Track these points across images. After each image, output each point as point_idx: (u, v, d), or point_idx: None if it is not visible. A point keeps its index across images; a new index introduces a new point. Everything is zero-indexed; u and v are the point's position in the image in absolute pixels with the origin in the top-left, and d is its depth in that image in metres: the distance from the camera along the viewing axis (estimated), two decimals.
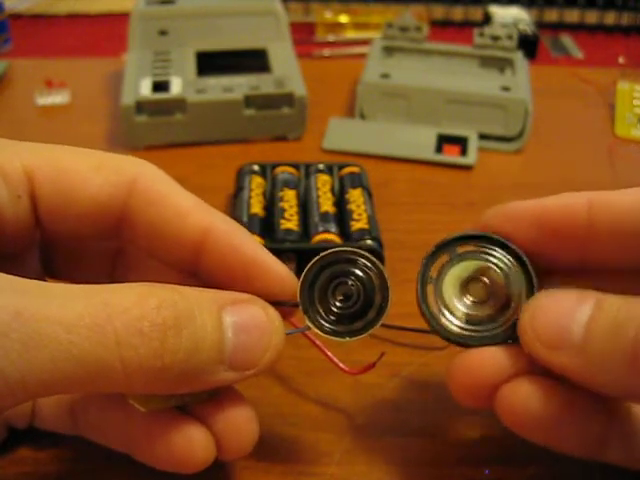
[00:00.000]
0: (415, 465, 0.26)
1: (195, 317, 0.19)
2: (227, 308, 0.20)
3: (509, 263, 0.23)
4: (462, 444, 0.27)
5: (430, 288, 0.23)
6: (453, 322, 0.23)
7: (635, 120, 0.53)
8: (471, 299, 0.23)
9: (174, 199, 0.22)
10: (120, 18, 0.64)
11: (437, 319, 0.23)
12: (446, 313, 0.23)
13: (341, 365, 0.27)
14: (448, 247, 0.23)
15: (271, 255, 0.23)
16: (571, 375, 0.20)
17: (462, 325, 0.23)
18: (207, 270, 0.23)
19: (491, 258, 0.23)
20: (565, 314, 0.20)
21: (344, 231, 0.37)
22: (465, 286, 0.23)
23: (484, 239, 0.23)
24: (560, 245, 0.23)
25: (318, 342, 0.28)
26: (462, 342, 0.23)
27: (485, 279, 0.23)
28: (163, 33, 0.52)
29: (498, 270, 0.23)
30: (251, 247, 0.23)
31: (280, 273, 0.23)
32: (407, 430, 0.28)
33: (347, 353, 0.27)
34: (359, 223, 0.37)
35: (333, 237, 0.36)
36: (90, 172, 0.22)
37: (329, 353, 0.27)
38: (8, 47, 0.67)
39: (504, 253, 0.23)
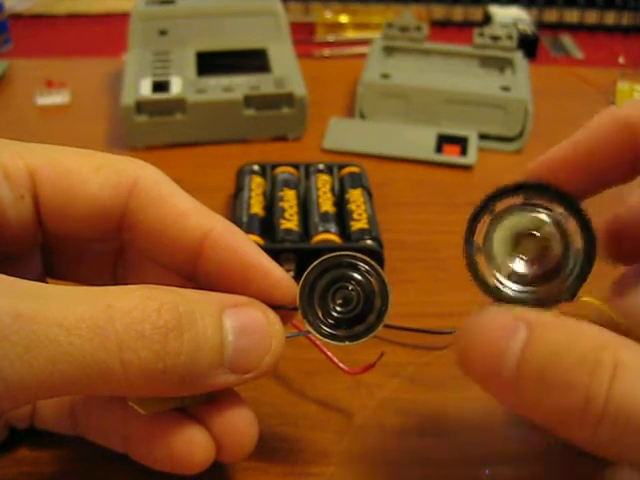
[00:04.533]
0: (415, 465, 0.26)
1: (196, 320, 0.19)
2: (227, 311, 0.20)
3: (565, 218, 0.21)
4: (462, 444, 0.27)
5: (486, 220, 0.21)
6: (505, 283, 0.21)
7: None
8: (523, 257, 0.22)
9: (174, 201, 0.22)
10: (120, 18, 0.64)
11: (475, 255, 0.21)
12: (487, 255, 0.21)
13: (341, 365, 0.27)
14: (527, 191, 0.21)
15: (270, 259, 0.23)
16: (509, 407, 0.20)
17: (497, 275, 0.21)
18: (206, 273, 0.23)
19: (546, 212, 0.21)
20: (497, 344, 0.19)
21: (344, 231, 0.37)
22: (519, 239, 0.22)
23: (538, 189, 0.21)
24: (613, 168, 0.22)
25: (318, 342, 0.28)
26: (488, 291, 0.21)
27: (539, 235, 0.21)
28: (163, 33, 0.52)
29: (562, 239, 0.21)
30: (250, 251, 0.23)
31: (279, 277, 0.23)
32: (407, 430, 0.28)
33: (347, 353, 0.27)
34: (359, 223, 0.36)
35: (333, 237, 0.36)
36: (91, 173, 0.22)
37: (329, 353, 0.27)
38: (8, 47, 0.67)
39: (561, 208, 0.21)
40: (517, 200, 0.21)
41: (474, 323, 0.20)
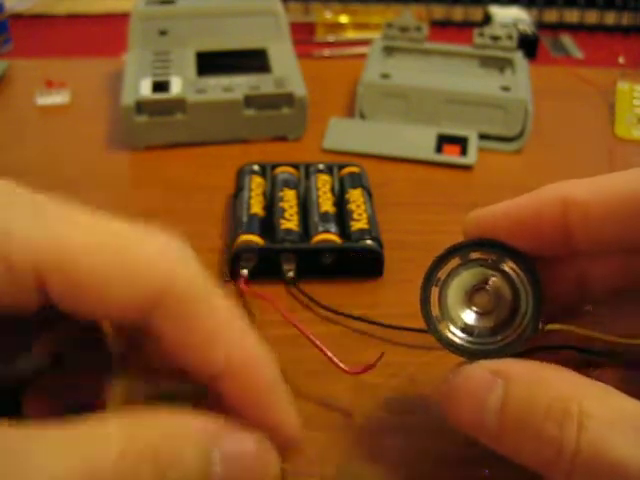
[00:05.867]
0: (415, 465, 0.26)
1: (181, 460, 0.17)
2: (217, 441, 0.18)
3: (520, 277, 0.22)
4: (462, 444, 0.27)
5: (435, 290, 0.23)
6: (453, 329, 0.23)
7: (635, 120, 0.53)
8: (474, 309, 0.23)
9: (205, 323, 0.19)
10: (120, 18, 0.64)
11: (437, 323, 0.23)
12: (447, 319, 0.23)
13: (341, 365, 0.27)
14: (461, 252, 0.23)
15: (287, 399, 0.21)
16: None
17: (461, 334, 0.23)
18: (218, 390, 0.20)
19: (503, 268, 0.23)
20: (479, 400, 0.21)
21: (344, 231, 0.37)
22: (470, 295, 0.23)
23: (499, 247, 0.22)
24: (541, 242, 0.22)
25: (318, 342, 0.28)
26: (459, 351, 0.23)
27: (492, 290, 0.23)
28: (163, 33, 0.52)
29: (508, 283, 0.23)
30: (271, 390, 0.20)
31: (292, 432, 0.21)
32: (407, 430, 0.28)
33: (347, 353, 0.27)
34: (359, 223, 0.37)
35: (333, 237, 0.36)
36: (114, 274, 0.18)
37: (329, 353, 0.27)
38: (8, 47, 0.67)
39: (516, 266, 0.22)
40: (455, 262, 0.23)
41: (455, 381, 0.21)
